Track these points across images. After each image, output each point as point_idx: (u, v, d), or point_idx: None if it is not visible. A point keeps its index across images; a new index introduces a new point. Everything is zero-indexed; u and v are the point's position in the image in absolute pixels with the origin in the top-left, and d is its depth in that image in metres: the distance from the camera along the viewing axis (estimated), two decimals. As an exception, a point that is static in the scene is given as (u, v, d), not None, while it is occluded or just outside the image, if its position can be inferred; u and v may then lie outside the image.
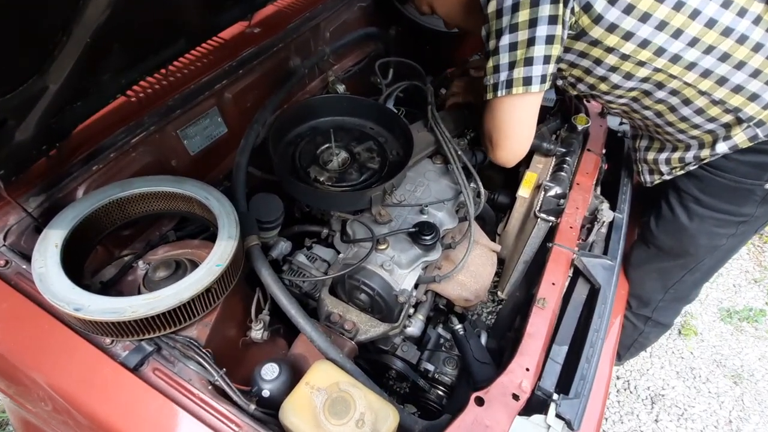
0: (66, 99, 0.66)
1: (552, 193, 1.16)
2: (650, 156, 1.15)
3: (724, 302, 2.14)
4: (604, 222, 1.12)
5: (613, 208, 1.20)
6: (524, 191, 1.25)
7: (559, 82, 1.12)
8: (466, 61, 1.46)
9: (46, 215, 0.80)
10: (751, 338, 2.02)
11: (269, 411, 0.68)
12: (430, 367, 1.04)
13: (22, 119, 0.59)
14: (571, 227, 1.08)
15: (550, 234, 1.14)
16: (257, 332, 0.83)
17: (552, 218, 1.12)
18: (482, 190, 1.18)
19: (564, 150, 1.28)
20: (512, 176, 1.43)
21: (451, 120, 1.30)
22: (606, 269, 1.03)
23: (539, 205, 1.14)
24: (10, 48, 0.51)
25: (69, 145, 0.84)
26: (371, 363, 1.05)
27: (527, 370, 0.82)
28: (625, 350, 1.55)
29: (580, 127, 1.31)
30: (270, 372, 0.72)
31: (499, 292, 1.38)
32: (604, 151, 1.36)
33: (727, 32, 0.86)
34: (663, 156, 1.12)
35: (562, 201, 1.14)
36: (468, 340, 1.04)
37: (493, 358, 1.02)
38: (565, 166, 1.23)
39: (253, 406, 0.67)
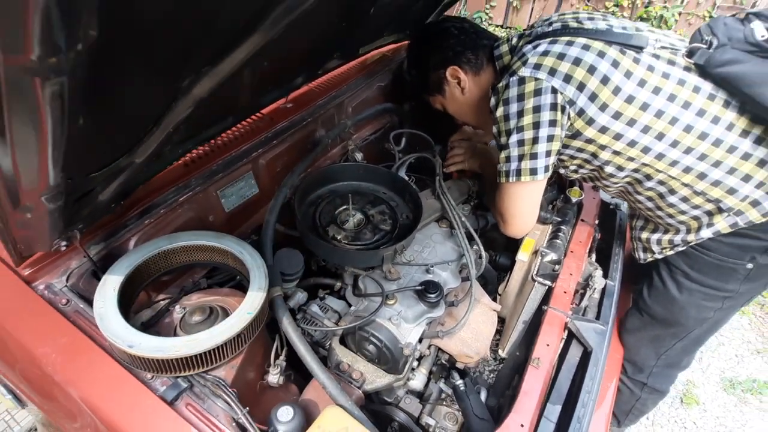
0: (140, 168, 0.80)
1: (548, 258, 1.27)
2: (644, 235, 1.25)
3: (726, 372, 2.15)
4: (595, 288, 1.21)
5: (606, 275, 1.30)
6: (523, 255, 1.36)
7: (562, 171, 1.26)
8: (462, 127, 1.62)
9: (103, 261, 0.93)
10: (756, 410, 2.00)
11: (284, 451, 0.75)
12: (431, 421, 1.09)
13: (107, 187, 0.74)
14: (565, 292, 1.18)
15: (546, 297, 1.23)
16: (274, 376, 0.91)
17: (548, 282, 1.21)
18: (483, 253, 1.29)
19: (560, 219, 1.39)
20: (514, 239, 1.54)
21: (457, 189, 1.45)
22: (598, 333, 1.11)
23: (536, 269, 1.24)
24: (113, 133, 0.66)
25: (127, 202, 0.98)
26: (374, 413, 1.10)
27: (522, 426, 0.88)
28: (624, 416, 1.57)
29: (574, 199, 1.43)
30: (285, 414, 0.79)
31: (500, 351, 1.44)
32: (596, 221, 1.48)
33: (702, 136, 0.98)
34: (655, 237, 1.21)
35: (557, 267, 1.25)
36: (468, 395, 1.10)
37: (493, 415, 1.07)
38: (560, 234, 1.34)
39: (269, 445, 0.74)
